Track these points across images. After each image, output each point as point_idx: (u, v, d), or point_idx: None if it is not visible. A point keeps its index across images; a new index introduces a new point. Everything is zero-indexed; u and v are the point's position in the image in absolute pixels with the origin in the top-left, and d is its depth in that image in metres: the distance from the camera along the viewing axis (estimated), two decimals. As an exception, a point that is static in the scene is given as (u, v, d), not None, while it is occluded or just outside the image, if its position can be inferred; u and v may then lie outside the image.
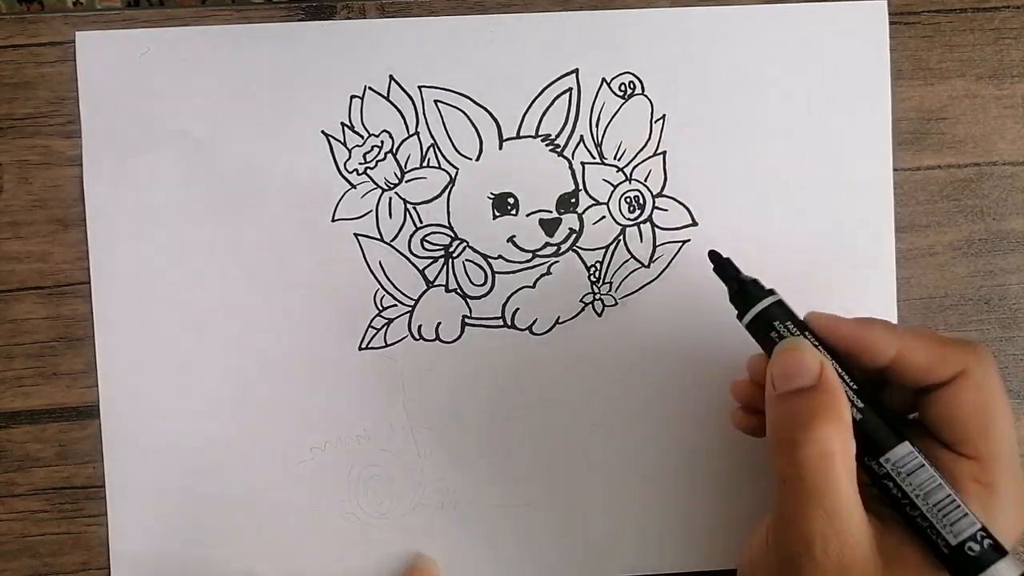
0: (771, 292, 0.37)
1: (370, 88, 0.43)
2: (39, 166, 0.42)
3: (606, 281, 0.43)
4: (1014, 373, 0.45)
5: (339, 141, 0.43)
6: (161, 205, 0.42)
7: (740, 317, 0.37)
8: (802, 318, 0.37)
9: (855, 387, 0.35)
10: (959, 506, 0.32)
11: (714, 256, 0.38)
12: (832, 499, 0.32)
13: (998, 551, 0.31)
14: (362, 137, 0.43)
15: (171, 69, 0.42)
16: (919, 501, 0.33)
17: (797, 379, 0.34)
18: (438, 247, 0.43)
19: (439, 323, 0.43)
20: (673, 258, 0.44)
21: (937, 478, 0.33)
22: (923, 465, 0.33)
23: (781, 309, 0.36)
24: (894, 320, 0.44)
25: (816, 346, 0.35)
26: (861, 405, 0.34)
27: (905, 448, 0.34)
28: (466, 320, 0.43)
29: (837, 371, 0.34)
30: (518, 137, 0.43)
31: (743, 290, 0.37)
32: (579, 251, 0.43)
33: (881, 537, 0.33)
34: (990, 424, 0.34)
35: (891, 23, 0.44)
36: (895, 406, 0.38)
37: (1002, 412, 0.34)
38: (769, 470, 0.34)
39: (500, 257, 0.43)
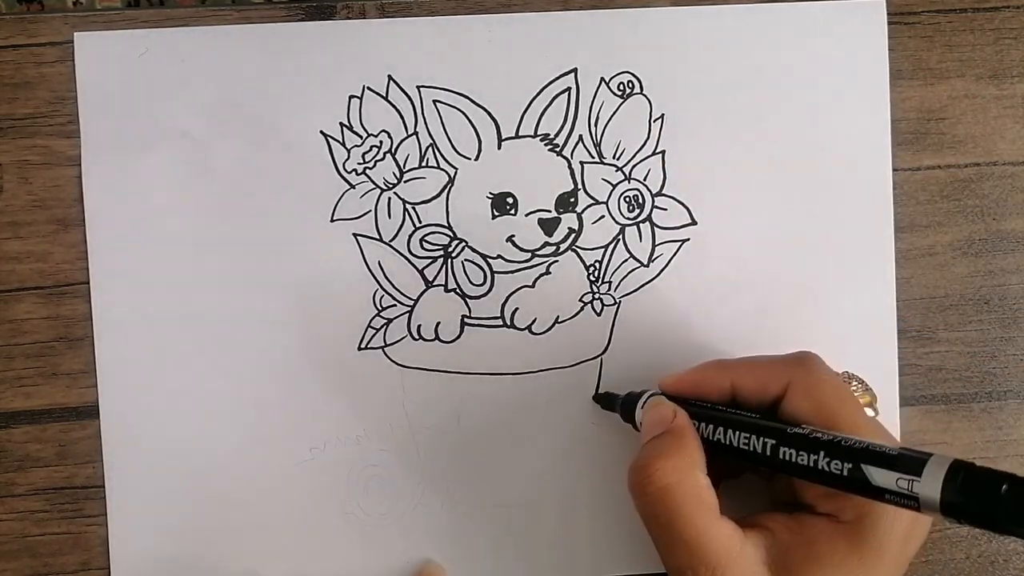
0: (644, 391, 0.41)
1: (369, 88, 0.43)
2: (39, 166, 0.42)
3: (605, 280, 0.43)
4: (1014, 373, 0.45)
5: (338, 141, 0.43)
6: (161, 205, 0.42)
7: (635, 426, 0.40)
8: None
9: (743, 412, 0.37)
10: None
11: (598, 398, 0.43)
12: (686, 529, 0.34)
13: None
14: (361, 137, 0.43)
15: (171, 69, 0.42)
16: (846, 436, 0.33)
17: (654, 428, 0.37)
18: (437, 247, 0.43)
19: (438, 323, 0.43)
20: (672, 257, 0.44)
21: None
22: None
23: (640, 396, 0.40)
24: (893, 320, 0.44)
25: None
26: (754, 414, 0.37)
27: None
28: (465, 320, 0.43)
29: (709, 410, 0.38)
30: (517, 137, 0.43)
31: (623, 405, 0.41)
32: (578, 250, 0.43)
33: (777, 544, 0.35)
34: (833, 417, 0.35)
35: (891, 23, 0.44)
36: None
37: (840, 401, 0.36)
38: None
39: (499, 257, 0.43)
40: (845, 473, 0.33)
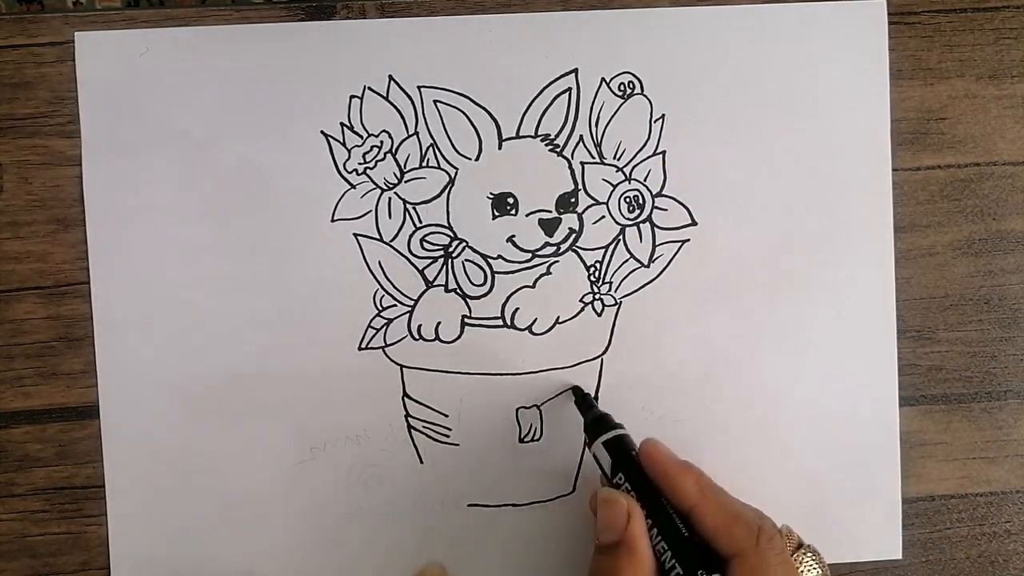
0: (618, 426, 0.40)
1: (369, 88, 0.43)
2: (39, 166, 0.42)
3: (606, 281, 0.43)
4: (1014, 373, 0.45)
5: (338, 141, 0.43)
6: (161, 205, 0.42)
7: (589, 445, 0.41)
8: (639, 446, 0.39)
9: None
10: None
11: (576, 391, 0.43)
12: None
13: None
14: (361, 137, 0.43)
15: (171, 69, 0.42)
16: None
17: (607, 533, 0.37)
18: (437, 247, 0.43)
19: (439, 323, 0.43)
20: (673, 258, 0.44)
21: None
22: None
23: (623, 443, 0.40)
24: (893, 320, 0.44)
25: (632, 488, 0.38)
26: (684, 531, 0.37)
27: None
28: (466, 320, 0.43)
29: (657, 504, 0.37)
30: (517, 137, 0.43)
31: (596, 422, 0.41)
32: (579, 251, 0.43)
33: None
34: None
35: (891, 23, 0.44)
36: None
37: None
38: None
39: (500, 257, 0.43)
40: None
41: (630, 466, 0.39)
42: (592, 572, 0.37)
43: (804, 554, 0.38)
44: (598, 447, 0.40)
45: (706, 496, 0.37)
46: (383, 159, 0.43)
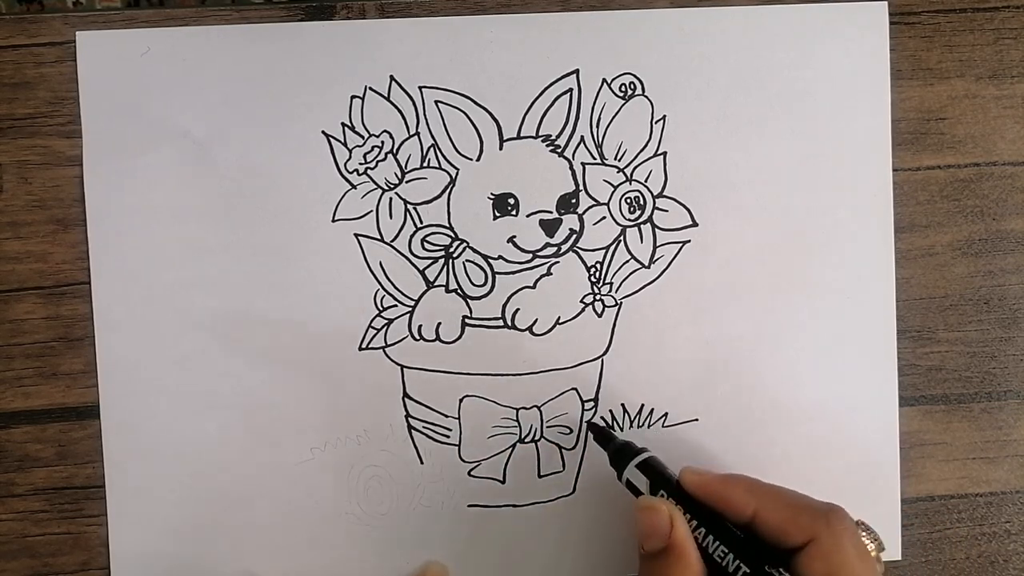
0: (644, 450, 0.41)
1: (370, 88, 0.43)
2: (39, 166, 0.42)
3: (606, 282, 0.43)
4: (1014, 373, 0.45)
5: (339, 141, 0.43)
6: (161, 205, 0.42)
7: (619, 474, 0.41)
8: (678, 474, 0.39)
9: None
10: None
11: (592, 427, 0.43)
12: None
13: None
14: (362, 137, 0.43)
15: (171, 69, 0.42)
16: None
17: (652, 539, 0.37)
18: (438, 247, 0.43)
19: (439, 323, 0.43)
20: (674, 259, 0.44)
21: None
22: None
23: (655, 464, 0.40)
24: (893, 320, 0.45)
25: (678, 503, 0.38)
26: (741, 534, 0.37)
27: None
28: (466, 320, 0.43)
29: (700, 522, 0.37)
30: (518, 137, 0.43)
31: (619, 451, 0.41)
32: (579, 251, 0.43)
33: None
34: None
35: (891, 23, 0.44)
36: None
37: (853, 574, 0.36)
38: None
39: (500, 257, 0.43)
40: None
41: (667, 482, 0.39)
42: None
43: (860, 531, 0.38)
44: (631, 471, 0.40)
45: (763, 497, 0.37)
46: (384, 159, 0.43)
